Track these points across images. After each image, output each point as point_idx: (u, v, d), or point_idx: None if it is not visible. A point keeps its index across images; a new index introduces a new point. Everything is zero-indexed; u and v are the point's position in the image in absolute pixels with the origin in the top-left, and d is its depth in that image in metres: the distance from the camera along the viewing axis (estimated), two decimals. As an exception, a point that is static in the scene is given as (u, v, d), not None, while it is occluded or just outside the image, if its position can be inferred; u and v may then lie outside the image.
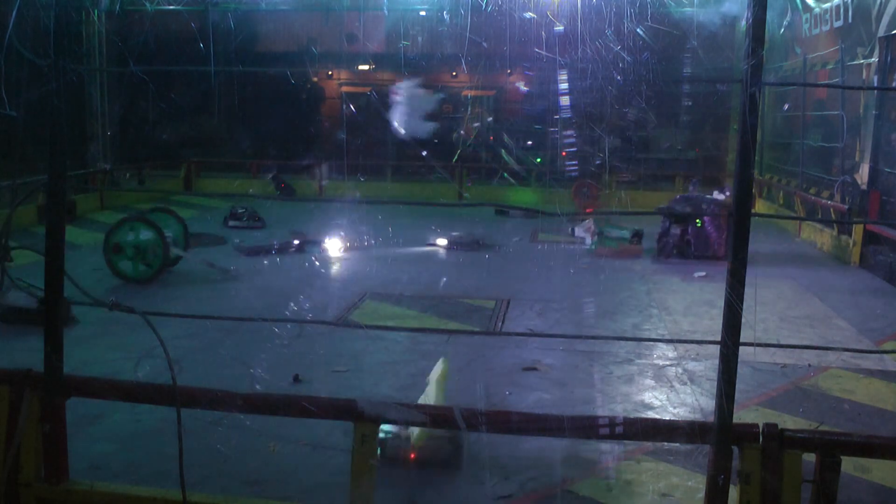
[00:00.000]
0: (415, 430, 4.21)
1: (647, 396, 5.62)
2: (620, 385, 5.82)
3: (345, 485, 2.96)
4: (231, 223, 13.13)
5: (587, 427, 3.10)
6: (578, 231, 12.39)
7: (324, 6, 18.98)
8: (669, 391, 5.71)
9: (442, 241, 11.69)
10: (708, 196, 12.91)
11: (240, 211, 13.35)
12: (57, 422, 3.01)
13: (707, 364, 6.16)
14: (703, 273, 9.91)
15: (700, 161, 19.86)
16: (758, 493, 2.67)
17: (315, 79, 21.88)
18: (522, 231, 12.87)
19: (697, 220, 10.81)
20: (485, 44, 16.73)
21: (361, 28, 19.39)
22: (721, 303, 2.67)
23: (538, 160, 17.84)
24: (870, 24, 11.16)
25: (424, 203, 7.96)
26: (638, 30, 12.81)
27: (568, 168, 17.92)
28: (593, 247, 11.43)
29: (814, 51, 13.75)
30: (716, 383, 2.71)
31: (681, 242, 10.93)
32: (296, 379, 5.72)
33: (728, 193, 12.74)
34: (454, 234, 11.82)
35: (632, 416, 5.06)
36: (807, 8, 14.15)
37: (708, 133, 19.84)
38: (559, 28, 14.02)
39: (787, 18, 15.22)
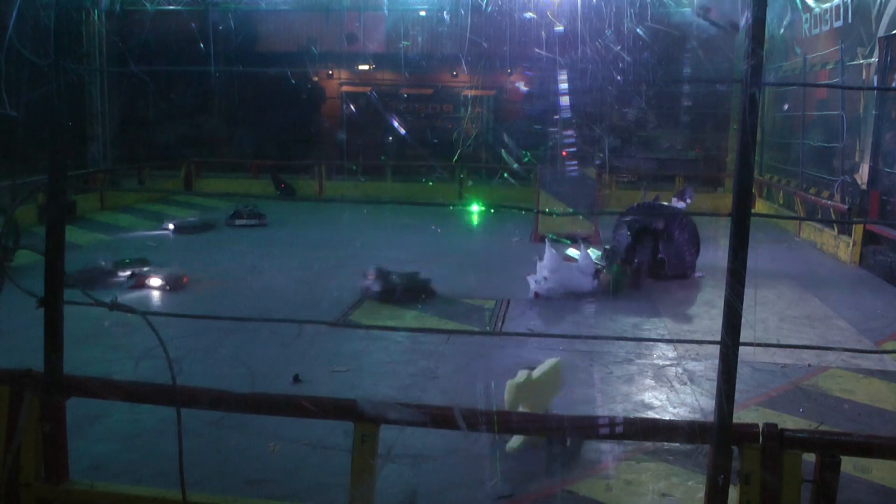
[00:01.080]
0: None
1: (647, 396, 5.62)
2: (620, 385, 5.82)
3: (345, 485, 2.96)
4: (237, 222, 13.44)
5: (587, 427, 3.10)
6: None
7: (324, 6, 18.99)
8: (669, 391, 5.71)
9: (170, 225, 12.98)
10: (666, 203, 11.40)
11: (244, 210, 13.61)
12: (57, 422, 3.01)
13: (707, 364, 6.16)
14: (701, 274, 9.91)
15: (700, 161, 19.88)
16: (758, 493, 2.67)
17: (315, 79, 21.88)
18: (523, 230, 12.85)
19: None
20: (485, 44, 16.74)
21: (361, 28, 19.39)
22: (721, 303, 2.67)
23: (526, 159, 17.76)
24: (870, 24, 11.16)
25: (422, 203, 7.94)
26: (638, 30, 12.81)
27: (568, 168, 17.92)
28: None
29: (814, 51, 13.75)
30: (716, 383, 2.71)
31: (653, 261, 9.49)
32: (296, 379, 5.71)
33: (689, 200, 11.37)
34: (189, 219, 13.10)
35: (632, 416, 5.06)
36: (807, 8, 14.14)
37: (708, 133, 19.85)
38: (559, 28, 14.03)
39: (787, 18, 15.22)
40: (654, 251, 9.57)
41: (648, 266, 9.45)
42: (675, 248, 9.61)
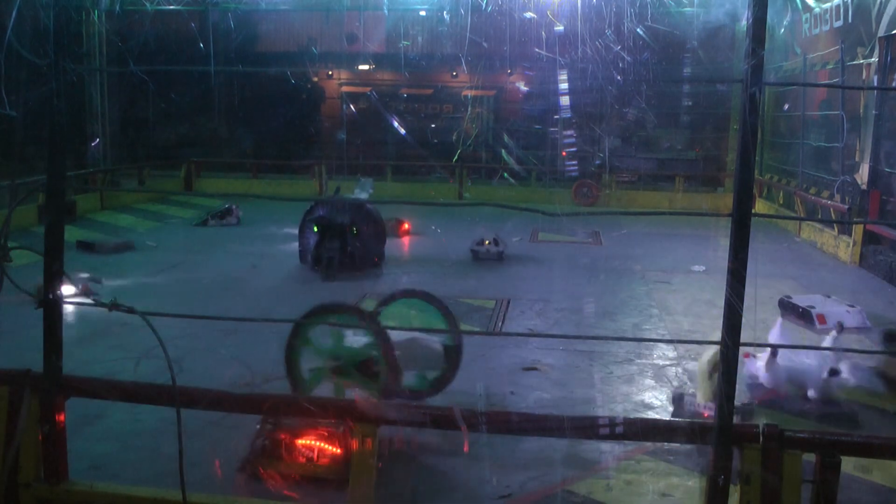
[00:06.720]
0: None
1: (647, 396, 5.62)
2: (620, 385, 5.81)
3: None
4: (211, 222, 13.42)
5: (587, 427, 3.10)
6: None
7: (324, 6, 19.00)
8: (669, 391, 5.70)
9: None
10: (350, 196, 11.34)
11: (221, 210, 13.62)
12: (57, 422, 3.01)
13: (707, 364, 6.15)
14: (703, 268, 9.93)
15: (700, 161, 19.90)
16: (758, 494, 2.67)
17: (315, 79, 21.90)
18: (524, 230, 12.85)
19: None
20: (485, 44, 16.74)
21: (361, 28, 19.40)
22: (721, 302, 2.67)
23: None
24: (870, 24, 11.16)
25: (423, 203, 7.94)
26: (638, 30, 12.81)
27: (568, 168, 17.94)
28: None
29: (814, 51, 13.75)
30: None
31: (343, 256, 9.45)
32: None
33: (371, 190, 11.40)
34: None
35: (632, 416, 5.06)
36: (807, 8, 14.15)
37: (708, 133, 19.87)
38: (559, 28, 14.03)
39: (787, 18, 15.22)
40: (343, 246, 9.46)
41: (339, 261, 9.38)
42: (362, 241, 9.59)
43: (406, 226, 12.33)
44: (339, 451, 3.99)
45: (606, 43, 12.49)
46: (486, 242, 10.61)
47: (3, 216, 3.05)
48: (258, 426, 4.18)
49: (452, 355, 5.05)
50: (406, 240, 12.12)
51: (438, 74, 21.12)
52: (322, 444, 4.02)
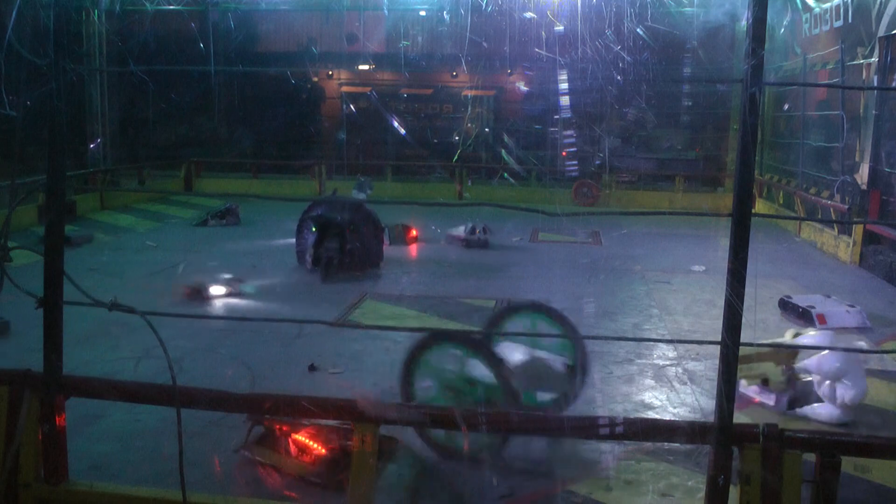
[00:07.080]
0: None
1: (647, 396, 5.62)
2: (620, 385, 5.81)
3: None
4: (211, 222, 13.46)
5: (587, 427, 3.10)
6: None
7: (324, 6, 19.00)
8: (669, 391, 5.71)
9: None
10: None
11: (221, 210, 13.71)
12: (57, 422, 3.01)
13: (707, 364, 6.15)
14: (703, 268, 9.93)
15: (700, 161, 19.90)
16: (758, 494, 2.67)
17: (315, 79, 21.91)
18: (523, 230, 12.86)
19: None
20: (485, 44, 16.74)
21: (361, 28, 19.40)
22: (721, 302, 2.67)
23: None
24: (870, 24, 11.16)
25: (423, 203, 8.01)
26: (638, 30, 12.81)
27: (568, 168, 17.95)
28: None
29: (814, 51, 13.75)
30: (716, 383, 2.71)
31: (342, 255, 9.33)
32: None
33: (369, 191, 12.56)
34: None
35: (632, 416, 5.06)
36: (807, 8, 14.15)
37: (708, 133, 19.87)
38: (559, 28, 14.03)
39: (787, 18, 15.22)
40: (342, 245, 9.34)
41: (339, 260, 9.27)
42: (361, 241, 9.47)
43: (414, 232, 11.86)
44: (323, 451, 3.95)
45: (606, 43, 12.49)
46: (476, 231, 11.60)
47: (3, 216, 3.05)
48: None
49: (576, 374, 4.88)
50: (414, 247, 11.67)
51: (438, 74, 21.12)
52: (308, 442, 4.01)
